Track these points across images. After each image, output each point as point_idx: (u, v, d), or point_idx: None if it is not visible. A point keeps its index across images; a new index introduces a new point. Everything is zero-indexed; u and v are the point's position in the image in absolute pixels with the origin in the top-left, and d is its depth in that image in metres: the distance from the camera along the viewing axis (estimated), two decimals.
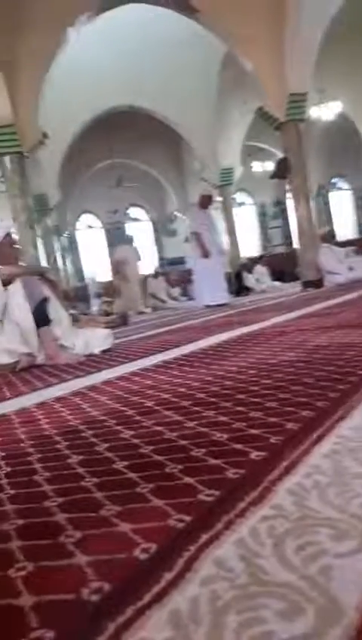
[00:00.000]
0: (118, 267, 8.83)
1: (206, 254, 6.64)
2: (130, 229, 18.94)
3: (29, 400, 1.72)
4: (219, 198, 10.96)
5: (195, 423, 1.03)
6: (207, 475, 0.73)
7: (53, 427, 1.24)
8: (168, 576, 0.49)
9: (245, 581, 0.46)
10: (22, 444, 1.12)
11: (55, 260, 10.72)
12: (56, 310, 2.94)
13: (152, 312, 8.44)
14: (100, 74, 9.81)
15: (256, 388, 1.25)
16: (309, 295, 5.78)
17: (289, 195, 7.93)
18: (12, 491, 0.82)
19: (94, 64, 9.67)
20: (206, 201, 6.83)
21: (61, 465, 0.91)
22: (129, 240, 9.48)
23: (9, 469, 0.94)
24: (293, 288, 8.51)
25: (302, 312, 3.40)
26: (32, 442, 1.12)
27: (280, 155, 8.66)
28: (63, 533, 0.63)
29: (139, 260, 8.89)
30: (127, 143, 14.05)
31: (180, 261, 18.29)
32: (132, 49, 9.85)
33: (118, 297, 8.70)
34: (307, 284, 7.29)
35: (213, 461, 0.78)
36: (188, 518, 0.60)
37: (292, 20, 6.58)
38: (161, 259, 19.07)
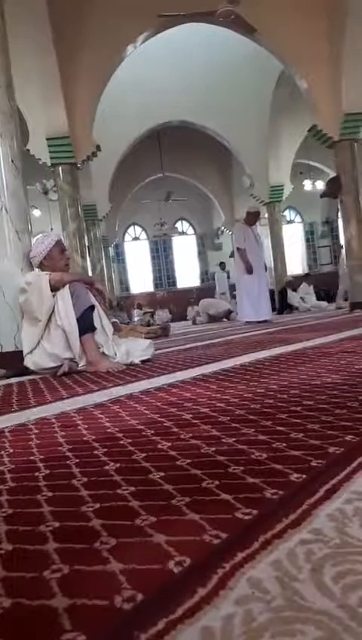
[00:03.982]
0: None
1: (249, 270, 6.62)
2: (176, 242, 19.19)
3: (69, 405, 1.75)
4: (266, 215, 10.94)
5: (234, 439, 1.02)
6: (244, 493, 0.72)
7: (91, 433, 1.25)
8: (202, 591, 0.48)
9: (281, 604, 0.45)
10: (60, 448, 1.14)
11: (101, 269, 10.94)
12: (101, 319, 2.99)
13: None
14: (155, 90, 10.04)
15: (297, 408, 1.23)
16: (356, 316, 5.65)
17: (340, 214, 7.79)
18: (50, 494, 0.83)
19: (150, 80, 9.91)
20: (252, 219, 6.83)
21: (98, 471, 0.92)
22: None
23: (47, 472, 0.96)
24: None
25: (348, 334, 3.32)
26: (70, 447, 1.13)
27: (332, 173, 8.58)
28: (98, 539, 0.63)
29: None
30: (178, 158, 14.28)
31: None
32: (187, 67, 10.04)
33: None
34: (355, 306, 7.14)
35: (251, 479, 0.77)
36: (224, 535, 0.59)
37: (350, 39, 6.55)
38: (205, 273, 19.19)
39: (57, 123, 6.57)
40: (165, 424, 1.25)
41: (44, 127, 6.59)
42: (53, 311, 2.90)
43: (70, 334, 2.84)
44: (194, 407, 1.43)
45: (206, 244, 19.32)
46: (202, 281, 19.29)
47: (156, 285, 19.26)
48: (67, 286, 2.89)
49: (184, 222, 19.54)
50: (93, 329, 2.89)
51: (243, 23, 6.59)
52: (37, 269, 3.16)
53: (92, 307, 2.92)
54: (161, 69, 9.87)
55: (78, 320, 2.84)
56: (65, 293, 2.87)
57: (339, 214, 7.81)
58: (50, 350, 2.91)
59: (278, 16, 6.76)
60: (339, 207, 7.61)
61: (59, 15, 6.05)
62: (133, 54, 7.27)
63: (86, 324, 2.87)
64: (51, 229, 13.41)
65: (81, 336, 2.84)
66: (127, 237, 19.16)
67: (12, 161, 3.37)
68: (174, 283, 19.34)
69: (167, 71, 9.98)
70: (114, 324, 6.12)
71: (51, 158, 6.72)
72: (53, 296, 2.90)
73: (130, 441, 1.12)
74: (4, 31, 3.54)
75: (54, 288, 2.90)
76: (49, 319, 2.92)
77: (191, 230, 19.71)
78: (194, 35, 9.11)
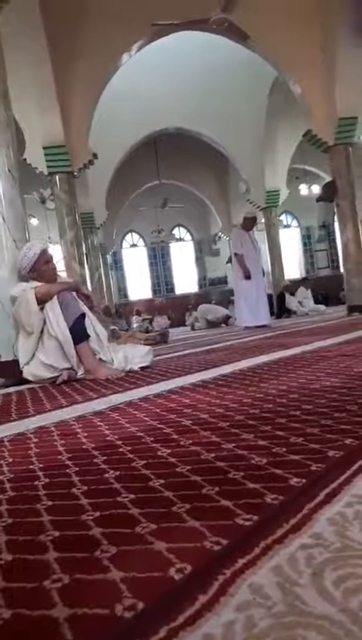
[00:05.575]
0: None
1: (247, 275, 6.63)
2: (173, 248, 19.24)
3: (68, 413, 1.75)
4: (263, 220, 10.97)
5: (233, 445, 1.02)
6: (244, 498, 0.72)
7: (91, 441, 1.25)
8: (203, 598, 0.48)
9: (282, 609, 0.45)
10: (60, 457, 1.13)
11: (99, 277, 10.95)
12: (93, 325, 2.98)
13: None
14: (150, 97, 10.09)
15: (296, 413, 1.23)
16: (354, 320, 5.65)
17: (336, 218, 7.82)
18: (49, 502, 0.83)
19: (145, 88, 9.96)
20: (249, 224, 6.85)
21: (98, 479, 0.92)
22: None
23: (47, 481, 0.96)
24: (337, 312, 8.35)
25: (346, 337, 3.33)
26: (70, 455, 1.13)
27: (328, 178, 8.62)
28: (99, 547, 0.63)
29: None
30: (174, 165, 14.33)
31: (222, 281, 18.43)
32: (182, 74, 10.10)
33: None
34: (352, 309, 7.15)
35: (251, 485, 0.77)
36: (224, 541, 0.59)
37: (343, 45, 6.60)
38: (203, 278, 19.23)
39: (53, 132, 6.60)
40: (165, 431, 1.25)
41: (41, 137, 6.62)
42: (44, 323, 2.89)
43: (65, 344, 2.83)
44: (194, 413, 1.43)
45: (203, 249, 19.37)
46: (200, 287, 19.31)
47: (154, 292, 19.28)
48: (55, 296, 2.88)
49: (181, 228, 19.59)
50: (86, 337, 2.89)
51: (236, 30, 6.64)
52: (29, 282, 3.11)
53: (83, 315, 2.91)
54: (155, 76, 9.92)
55: (70, 329, 2.83)
56: (54, 304, 2.86)
57: (336, 218, 7.84)
58: (46, 361, 2.90)
59: (271, 23, 6.81)
60: (336, 211, 7.64)
61: (54, 26, 6.09)
62: (128, 63, 7.31)
63: (79, 333, 2.86)
64: (49, 237, 13.44)
65: (76, 345, 2.84)
66: (125, 244, 19.20)
67: (9, 171, 3.38)
68: (172, 289, 19.36)
69: (161, 78, 10.03)
70: (113, 331, 6.12)
71: (48, 167, 6.74)
72: (42, 309, 2.88)
73: (129, 448, 1.12)
74: (0, 41, 3.56)
75: (42, 301, 2.89)
76: (41, 331, 2.91)
77: (188, 236, 19.76)
78: (189, 42, 9.17)
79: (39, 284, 2.99)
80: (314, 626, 0.42)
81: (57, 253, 3.50)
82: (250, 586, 0.49)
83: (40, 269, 3.05)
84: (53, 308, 2.85)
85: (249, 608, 0.46)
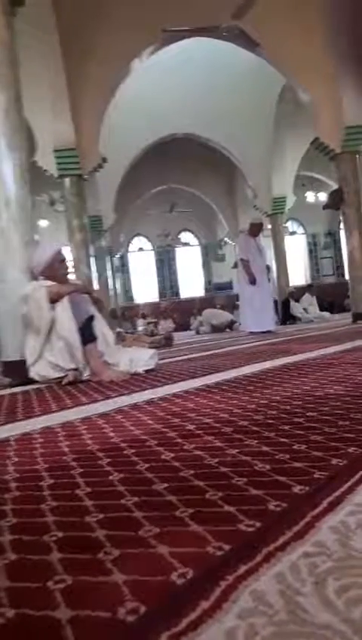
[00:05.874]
0: None
1: (253, 281, 6.63)
2: (179, 252, 19.26)
3: (73, 414, 1.75)
4: (269, 226, 10.97)
5: (237, 450, 1.02)
6: (247, 505, 0.72)
7: (95, 443, 1.25)
8: (205, 604, 0.48)
9: (284, 618, 0.45)
10: (65, 457, 1.14)
11: (106, 280, 10.97)
12: (101, 328, 3.00)
13: None
14: (160, 102, 10.13)
15: (300, 420, 1.23)
16: (359, 328, 5.64)
17: (342, 226, 7.81)
18: (54, 503, 0.83)
19: (155, 93, 10.00)
20: (256, 230, 6.85)
21: (102, 481, 0.92)
22: None
23: (52, 481, 0.96)
24: (342, 320, 8.33)
25: (350, 345, 3.32)
26: (74, 456, 1.14)
27: (335, 185, 8.62)
28: (102, 549, 0.63)
29: None
30: (182, 170, 14.37)
31: (228, 286, 18.44)
32: (193, 80, 10.14)
33: None
34: (357, 317, 7.12)
35: (254, 491, 0.77)
36: (227, 547, 0.59)
37: (351, 54, 6.61)
38: (209, 283, 19.24)
39: (64, 135, 6.64)
40: (169, 434, 1.25)
41: (52, 139, 6.66)
42: (53, 322, 2.91)
43: (73, 345, 2.84)
44: (198, 417, 1.43)
45: (209, 254, 19.38)
46: (206, 291, 19.31)
47: (160, 295, 19.29)
48: (66, 297, 2.90)
49: (188, 233, 19.61)
50: (94, 338, 2.90)
51: (246, 38, 6.66)
52: (40, 279, 3.15)
53: (92, 317, 2.92)
54: (165, 82, 9.96)
55: (79, 330, 2.84)
56: (64, 304, 2.88)
57: (341, 226, 7.83)
58: (53, 361, 2.91)
59: (281, 31, 6.82)
60: (341, 218, 7.63)
61: (66, 30, 6.14)
62: (138, 69, 7.35)
63: (87, 334, 2.87)
64: (57, 240, 13.47)
65: (84, 347, 2.85)
66: (132, 247, 19.23)
67: (20, 173, 3.40)
68: (178, 293, 19.37)
69: (171, 84, 10.07)
70: (118, 333, 6.13)
71: (58, 169, 6.78)
72: (52, 308, 2.90)
73: (133, 451, 1.12)
74: (14, 45, 3.59)
75: (53, 301, 2.91)
76: (49, 330, 2.93)
77: (195, 241, 19.77)
78: (199, 49, 9.21)
79: (51, 283, 3.02)
80: (316, 636, 0.42)
81: (67, 255, 3.56)
82: (252, 593, 0.49)
83: (55, 267, 3.10)
84: (63, 308, 2.87)
85: (251, 616, 0.46)
